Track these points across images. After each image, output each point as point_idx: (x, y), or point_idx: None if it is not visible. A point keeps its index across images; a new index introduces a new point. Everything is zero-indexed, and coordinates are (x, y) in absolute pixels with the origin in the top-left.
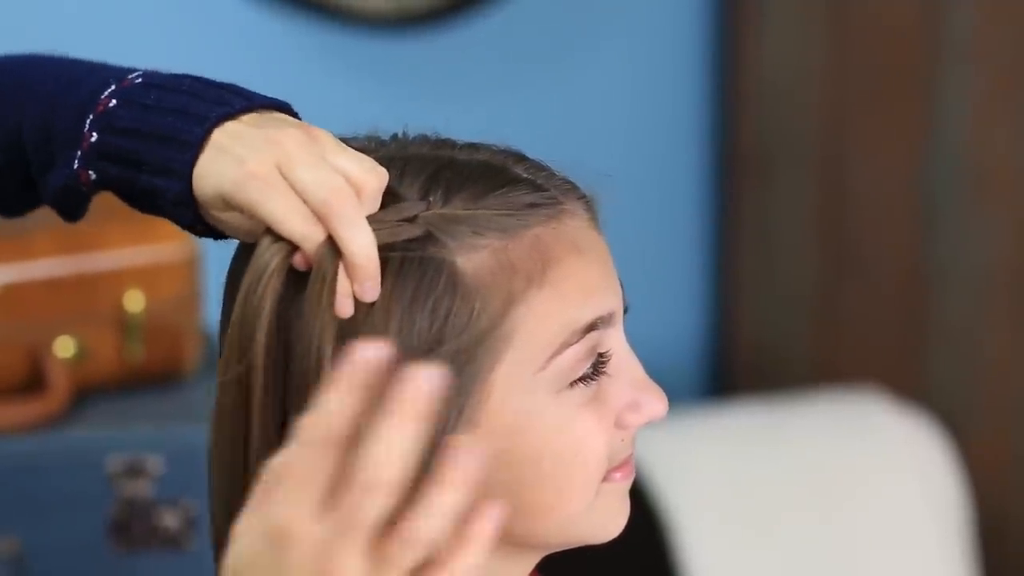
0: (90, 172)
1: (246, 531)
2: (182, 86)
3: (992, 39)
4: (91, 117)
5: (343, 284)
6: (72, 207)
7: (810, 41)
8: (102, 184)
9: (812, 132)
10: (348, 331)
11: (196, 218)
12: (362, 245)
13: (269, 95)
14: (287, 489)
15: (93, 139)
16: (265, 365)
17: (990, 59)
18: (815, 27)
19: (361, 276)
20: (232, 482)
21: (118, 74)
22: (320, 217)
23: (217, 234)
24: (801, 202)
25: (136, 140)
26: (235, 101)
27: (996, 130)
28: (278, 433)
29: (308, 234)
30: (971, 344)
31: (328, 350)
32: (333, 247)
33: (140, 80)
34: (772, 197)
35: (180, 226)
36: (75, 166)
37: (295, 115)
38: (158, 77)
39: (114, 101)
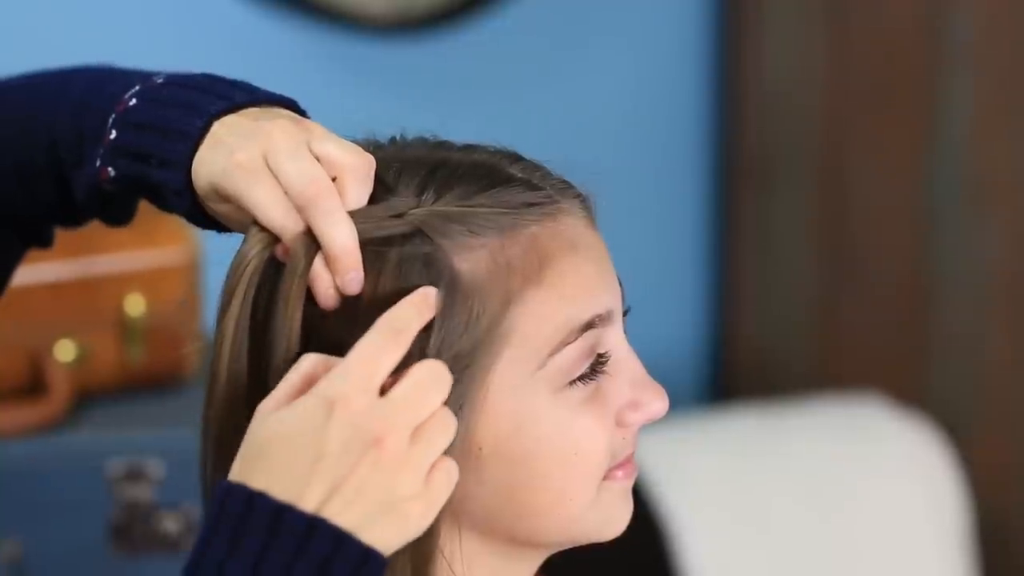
0: (109, 169)
1: (299, 404)
2: (193, 82)
3: (992, 46)
4: (113, 116)
5: (325, 276)
6: (104, 207)
7: (811, 47)
8: (122, 181)
9: (813, 138)
10: (343, 326)
11: (197, 210)
12: (339, 237)
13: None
14: (349, 366)
15: (112, 136)
16: (232, 351)
17: (990, 66)
18: (816, 33)
19: (341, 268)
20: (210, 464)
21: (145, 76)
22: (299, 208)
23: (221, 227)
24: (802, 208)
25: (147, 134)
26: (238, 95)
27: (997, 137)
28: (249, 416)
29: (287, 225)
30: (971, 350)
31: (296, 339)
32: (310, 239)
33: (161, 80)
34: (773, 203)
35: (187, 219)
36: (97, 164)
37: (301, 111)
38: (177, 76)
39: (134, 100)
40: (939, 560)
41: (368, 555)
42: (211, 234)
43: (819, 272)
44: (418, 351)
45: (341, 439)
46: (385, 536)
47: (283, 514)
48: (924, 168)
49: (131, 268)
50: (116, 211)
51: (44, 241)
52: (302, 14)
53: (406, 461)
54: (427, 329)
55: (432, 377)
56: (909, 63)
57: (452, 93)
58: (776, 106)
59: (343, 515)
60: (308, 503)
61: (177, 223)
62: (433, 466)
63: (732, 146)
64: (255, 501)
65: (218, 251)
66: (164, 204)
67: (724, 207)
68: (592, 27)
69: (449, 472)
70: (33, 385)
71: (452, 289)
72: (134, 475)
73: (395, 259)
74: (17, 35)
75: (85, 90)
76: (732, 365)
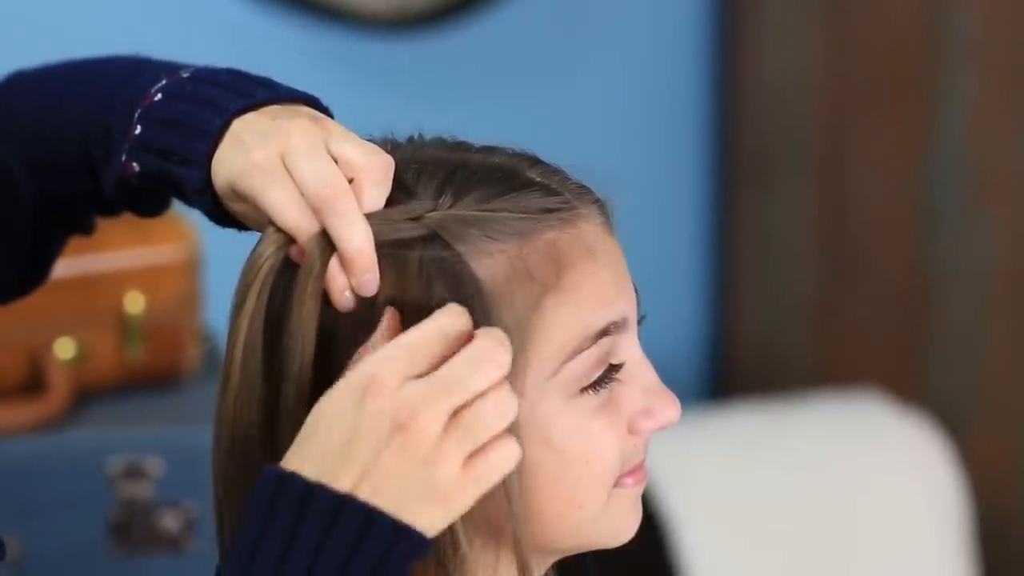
0: (134, 164)
1: (338, 386)
2: (217, 79)
3: (992, 42)
4: (139, 111)
5: (340, 278)
6: (133, 200)
7: (810, 45)
8: (147, 176)
9: (812, 136)
10: (360, 328)
11: (218, 208)
12: (354, 239)
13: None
14: (388, 351)
15: (137, 131)
16: (246, 351)
17: (990, 62)
18: (815, 31)
19: (356, 270)
20: (222, 465)
21: (172, 70)
22: (314, 210)
23: (242, 226)
24: (801, 205)
25: (169, 131)
26: (260, 92)
27: (996, 134)
28: (262, 416)
29: (302, 225)
30: (971, 347)
31: (311, 341)
32: (325, 240)
33: (187, 75)
34: (772, 200)
35: (208, 218)
36: (123, 159)
37: (324, 108)
38: (203, 71)
39: (159, 95)
40: (939, 556)
41: (402, 532)
42: (211, 231)
43: (819, 269)
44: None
45: (370, 423)
46: (425, 517)
47: (313, 493)
48: (924, 166)
49: (130, 266)
50: (147, 204)
51: (85, 228)
52: (300, 11)
53: (436, 447)
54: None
55: (482, 356)
56: (909, 61)
57: (450, 91)
58: (776, 104)
59: (374, 498)
60: (341, 484)
61: (176, 221)
62: (485, 447)
63: (732, 144)
64: (286, 482)
65: (218, 248)
66: (187, 201)
67: (724, 205)
68: (591, 25)
69: (502, 454)
70: (33, 383)
71: (479, 298)
72: (134, 473)
73: (413, 262)
74: (18, 34)
75: (115, 83)
76: (732, 362)
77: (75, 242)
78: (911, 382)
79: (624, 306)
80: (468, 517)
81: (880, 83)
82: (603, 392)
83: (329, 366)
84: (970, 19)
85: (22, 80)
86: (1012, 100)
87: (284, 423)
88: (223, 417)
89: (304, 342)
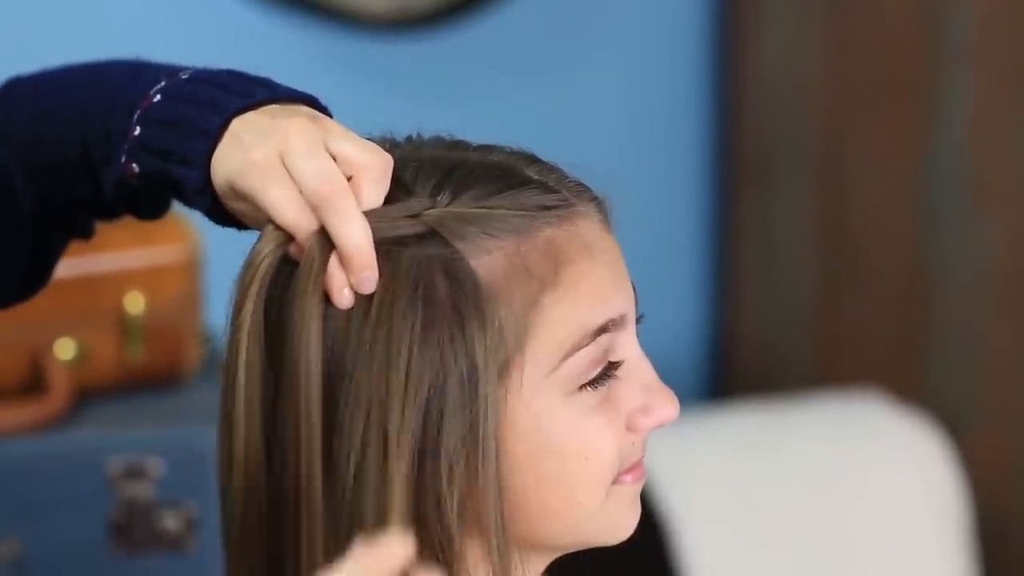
0: (134, 165)
1: None
2: (216, 79)
3: (991, 43)
4: (138, 112)
5: (339, 276)
6: (133, 202)
7: (810, 45)
8: (146, 177)
9: (812, 136)
10: (358, 329)
11: (217, 208)
12: (353, 236)
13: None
14: None
15: (136, 133)
16: (248, 349)
17: (990, 63)
18: (815, 31)
19: (355, 267)
20: (226, 470)
21: (171, 72)
22: (313, 208)
23: (241, 225)
24: (801, 205)
25: (168, 132)
26: (259, 92)
27: (995, 134)
28: (264, 419)
29: (301, 223)
30: (971, 346)
31: (312, 339)
32: (324, 238)
33: (186, 76)
34: (772, 200)
35: (208, 218)
36: (123, 160)
37: (323, 108)
38: (202, 72)
39: (158, 97)
40: (939, 555)
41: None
42: (212, 232)
43: (819, 269)
44: (452, 362)
45: None
46: None
47: None
48: (923, 165)
49: (131, 266)
50: (147, 206)
51: (84, 233)
52: (301, 11)
53: None
54: (453, 341)
55: None
56: (908, 61)
57: (450, 91)
58: (776, 104)
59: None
60: None
61: (177, 221)
62: None
63: (732, 144)
64: None
65: (218, 249)
66: (187, 202)
67: (724, 205)
68: (592, 25)
69: None
70: (33, 383)
71: (476, 297)
72: (134, 473)
73: (410, 260)
74: (18, 34)
75: (114, 86)
76: (732, 362)
77: (75, 243)
78: (911, 382)
79: (622, 303)
80: (470, 513)
81: (879, 83)
82: (601, 389)
83: (334, 370)
84: (969, 20)
85: (20, 85)
86: (1011, 101)
87: (290, 423)
88: (232, 414)
89: (303, 338)
